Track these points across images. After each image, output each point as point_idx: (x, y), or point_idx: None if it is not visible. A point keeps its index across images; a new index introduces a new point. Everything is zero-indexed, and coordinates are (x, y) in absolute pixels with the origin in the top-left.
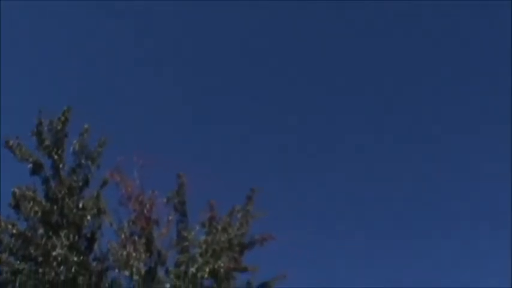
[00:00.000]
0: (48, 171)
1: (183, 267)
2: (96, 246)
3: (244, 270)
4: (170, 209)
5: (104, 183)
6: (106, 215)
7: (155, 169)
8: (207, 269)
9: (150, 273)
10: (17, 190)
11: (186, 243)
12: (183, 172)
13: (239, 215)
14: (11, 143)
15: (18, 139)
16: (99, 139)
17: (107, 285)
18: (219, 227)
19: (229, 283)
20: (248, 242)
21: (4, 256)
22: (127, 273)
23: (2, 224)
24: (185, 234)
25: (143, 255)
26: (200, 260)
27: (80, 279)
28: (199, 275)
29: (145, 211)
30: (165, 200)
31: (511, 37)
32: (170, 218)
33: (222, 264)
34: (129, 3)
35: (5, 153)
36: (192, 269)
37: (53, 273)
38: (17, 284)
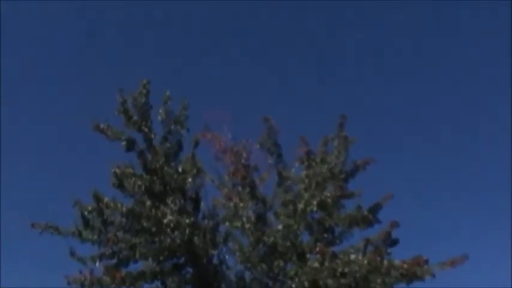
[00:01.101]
0: (141, 145)
1: (290, 206)
2: (202, 205)
3: (350, 196)
4: (265, 153)
5: (196, 143)
6: (205, 174)
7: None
8: (315, 202)
9: (260, 219)
10: (117, 170)
11: (289, 182)
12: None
13: (335, 143)
14: (101, 126)
15: (107, 121)
16: (181, 103)
17: (221, 239)
18: (317, 159)
19: (339, 211)
20: (351, 169)
21: (120, 234)
22: (238, 224)
23: (112, 204)
24: (285, 173)
25: (250, 203)
26: (306, 195)
27: (195, 239)
28: (308, 209)
29: (242, 161)
30: (258, 145)
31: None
32: (267, 161)
33: (328, 194)
34: None
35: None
36: (300, 205)
37: (168, 240)
38: (137, 256)
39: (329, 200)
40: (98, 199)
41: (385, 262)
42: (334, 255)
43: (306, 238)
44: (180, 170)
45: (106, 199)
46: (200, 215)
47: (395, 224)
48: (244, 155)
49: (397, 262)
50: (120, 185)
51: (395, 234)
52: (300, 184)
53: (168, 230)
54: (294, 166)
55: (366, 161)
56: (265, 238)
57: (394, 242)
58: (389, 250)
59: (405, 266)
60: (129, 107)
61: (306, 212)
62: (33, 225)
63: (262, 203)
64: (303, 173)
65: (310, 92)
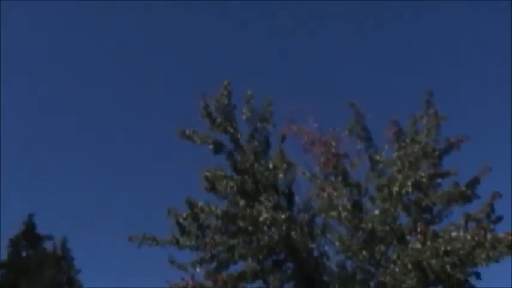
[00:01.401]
0: (229, 146)
1: (385, 190)
2: (296, 199)
3: (446, 175)
4: (354, 139)
5: (283, 138)
6: (296, 167)
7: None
8: (410, 183)
9: (356, 206)
10: (207, 173)
11: (381, 166)
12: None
13: (423, 121)
14: (187, 132)
15: (191, 127)
16: (264, 99)
17: (319, 231)
18: (407, 140)
19: (435, 190)
20: (444, 147)
21: (217, 237)
22: (334, 213)
23: (206, 208)
24: (376, 157)
25: (344, 192)
26: (400, 176)
27: (293, 234)
28: (403, 191)
29: (331, 150)
30: (346, 132)
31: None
32: (356, 147)
33: (422, 174)
34: None
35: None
36: (395, 188)
37: (266, 237)
38: (237, 257)
39: (424, 180)
40: (191, 205)
41: (489, 236)
42: (436, 234)
43: (404, 220)
44: (270, 166)
45: (200, 204)
46: (295, 209)
47: (497, 195)
48: (333, 143)
49: (501, 235)
50: (213, 188)
51: (497, 206)
52: (392, 166)
53: (265, 227)
54: (384, 149)
55: (460, 138)
56: (363, 225)
57: (498, 219)
58: (492, 226)
59: (510, 238)
60: (212, 110)
61: (402, 194)
62: (130, 239)
63: (357, 190)
64: (395, 154)
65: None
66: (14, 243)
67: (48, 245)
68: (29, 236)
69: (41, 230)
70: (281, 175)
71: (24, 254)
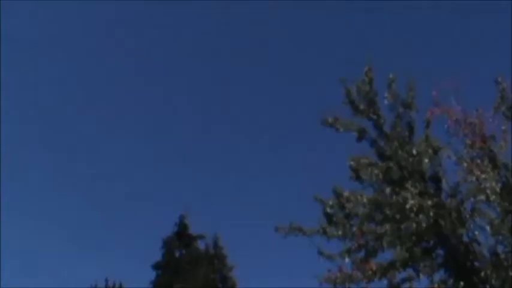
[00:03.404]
0: (372, 133)
1: None
2: (443, 184)
3: None
4: (501, 118)
5: (428, 122)
6: (442, 151)
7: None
8: None
9: (506, 188)
10: (352, 162)
11: None
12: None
13: None
14: (329, 119)
15: (334, 114)
16: (407, 83)
17: (468, 216)
18: None
19: None
20: None
21: (365, 226)
22: (482, 197)
23: (352, 197)
24: None
25: (492, 174)
26: None
27: (441, 220)
28: None
29: (478, 131)
30: (492, 112)
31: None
32: (503, 128)
33: None
34: None
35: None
36: None
37: (414, 225)
38: (385, 246)
39: None
40: (338, 194)
41: None
42: None
43: None
44: (414, 152)
45: (346, 193)
46: (443, 195)
47: None
48: (479, 124)
49: None
50: (358, 177)
51: None
52: None
53: (412, 214)
54: None
55: None
56: None
57: None
58: None
59: None
60: (354, 96)
61: None
62: (277, 229)
63: (505, 172)
64: None
65: None
66: (168, 244)
67: (200, 244)
68: (182, 236)
69: (193, 229)
70: (426, 160)
71: (177, 254)
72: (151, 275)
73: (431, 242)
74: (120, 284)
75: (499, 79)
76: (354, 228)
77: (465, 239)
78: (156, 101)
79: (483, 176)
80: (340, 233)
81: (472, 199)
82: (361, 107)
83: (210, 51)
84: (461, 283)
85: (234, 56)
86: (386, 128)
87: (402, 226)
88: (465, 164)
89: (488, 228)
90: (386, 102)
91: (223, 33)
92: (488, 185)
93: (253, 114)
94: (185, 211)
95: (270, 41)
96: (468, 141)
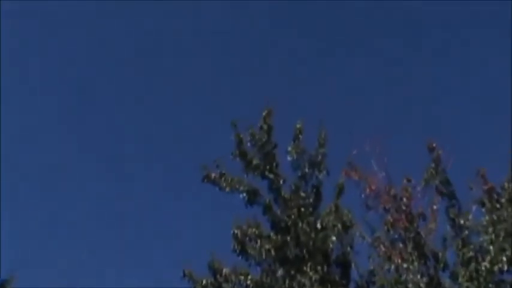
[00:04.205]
0: (266, 196)
1: (472, 265)
2: (352, 271)
3: None
4: (432, 193)
5: (340, 189)
6: (354, 228)
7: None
8: (504, 258)
9: (432, 284)
10: (236, 230)
11: (466, 232)
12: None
13: None
14: (212, 175)
15: (218, 167)
16: (318, 136)
17: None
18: (502, 199)
19: None
20: None
21: None
22: None
23: (233, 277)
24: (461, 220)
25: (416, 264)
26: (491, 248)
27: None
28: (495, 268)
29: (402, 206)
30: (422, 184)
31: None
32: (434, 207)
33: None
34: None
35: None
36: (485, 264)
37: None
38: None
39: None
40: (215, 270)
41: None
42: None
43: None
44: (319, 226)
45: (226, 269)
46: (351, 285)
47: None
48: (405, 198)
49: None
50: (243, 250)
51: None
52: (482, 234)
53: None
54: (471, 210)
55: None
56: None
57: None
58: None
59: None
60: (247, 147)
61: (493, 272)
62: None
63: (435, 261)
64: (486, 218)
65: None
66: None
67: None
68: None
69: None
70: (334, 238)
71: None
72: None
73: None
74: None
75: (433, 145)
76: None
77: None
78: None
79: (405, 265)
80: None
81: None
82: (255, 161)
83: None
84: None
85: None
86: (286, 191)
87: None
88: (383, 248)
89: None
90: (289, 158)
91: None
92: (410, 277)
93: None
94: None
95: None
96: (389, 219)
